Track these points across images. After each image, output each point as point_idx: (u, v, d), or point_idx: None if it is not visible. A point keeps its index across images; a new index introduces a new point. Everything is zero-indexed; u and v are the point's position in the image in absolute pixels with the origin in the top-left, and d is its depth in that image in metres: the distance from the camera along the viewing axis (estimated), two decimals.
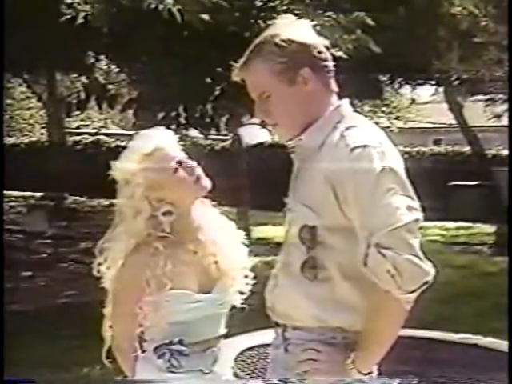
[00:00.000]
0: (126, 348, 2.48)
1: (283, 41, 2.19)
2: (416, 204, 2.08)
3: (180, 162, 2.44)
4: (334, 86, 2.26)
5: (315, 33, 2.26)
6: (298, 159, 2.29)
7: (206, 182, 2.46)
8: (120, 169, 2.46)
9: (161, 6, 5.91)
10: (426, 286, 2.05)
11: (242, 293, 2.58)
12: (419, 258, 2.03)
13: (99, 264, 2.46)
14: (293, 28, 2.23)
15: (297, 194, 2.24)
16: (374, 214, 2.04)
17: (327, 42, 2.27)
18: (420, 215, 2.07)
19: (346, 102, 2.28)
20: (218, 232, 2.56)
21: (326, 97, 2.24)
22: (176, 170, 2.42)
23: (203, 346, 2.45)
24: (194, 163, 2.47)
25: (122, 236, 2.44)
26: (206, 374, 2.45)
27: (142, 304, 2.39)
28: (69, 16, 5.91)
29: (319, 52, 2.22)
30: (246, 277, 2.58)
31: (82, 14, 5.92)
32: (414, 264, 2.01)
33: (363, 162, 2.06)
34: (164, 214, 2.42)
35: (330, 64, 2.25)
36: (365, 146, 2.08)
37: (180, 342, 2.42)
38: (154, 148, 2.42)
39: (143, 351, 2.48)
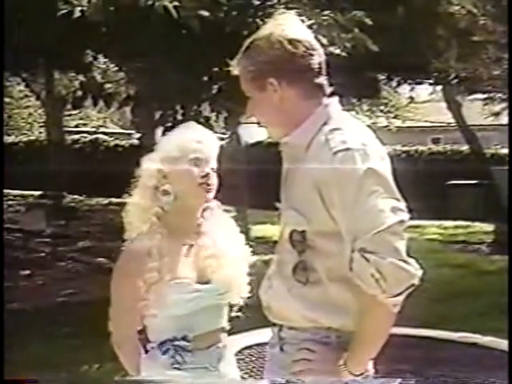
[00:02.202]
0: (127, 345, 2.49)
1: (256, 49, 2.19)
2: (401, 205, 2.07)
3: (211, 169, 2.51)
4: (321, 89, 2.22)
5: (300, 36, 2.19)
6: (287, 161, 2.29)
7: (210, 196, 2.51)
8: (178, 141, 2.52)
9: (157, 3, 5.90)
10: (412, 289, 2.04)
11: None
12: (404, 260, 2.01)
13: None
14: (270, 35, 2.18)
15: (287, 197, 2.24)
16: (358, 217, 2.03)
17: (316, 45, 2.21)
18: (405, 216, 2.06)
19: (333, 101, 2.24)
20: (223, 238, 2.58)
21: (306, 101, 2.20)
22: (196, 163, 2.47)
23: (207, 341, 2.47)
24: (215, 181, 2.52)
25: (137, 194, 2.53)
26: (211, 371, 2.46)
27: (144, 297, 2.40)
28: (65, 11, 5.89)
29: (295, 60, 2.16)
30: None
31: (78, 8, 5.89)
32: (399, 267, 2.00)
33: (346, 165, 2.05)
34: (163, 192, 2.48)
35: (313, 69, 2.19)
36: (347, 149, 2.06)
37: (184, 338, 2.43)
38: (203, 141, 2.51)
39: (146, 351, 2.48)
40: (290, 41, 2.16)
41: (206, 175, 2.48)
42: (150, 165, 2.50)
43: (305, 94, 2.20)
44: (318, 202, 2.10)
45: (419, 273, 2.04)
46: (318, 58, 2.21)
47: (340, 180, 2.06)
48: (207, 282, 2.47)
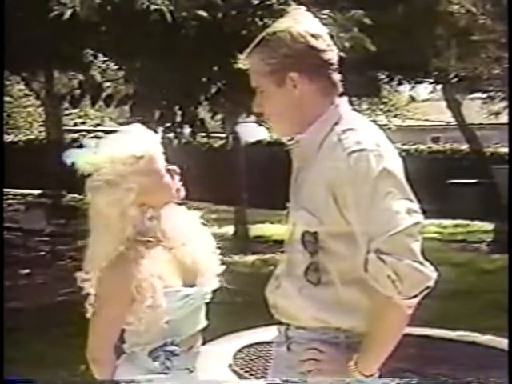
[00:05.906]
0: (103, 358, 2.41)
1: (277, 42, 2.16)
2: (416, 206, 2.05)
3: (167, 167, 2.40)
4: (336, 86, 2.21)
5: (320, 31, 2.19)
6: (297, 160, 2.26)
7: (183, 191, 2.42)
8: (104, 168, 2.36)
9: (152, 7, 5.90)
10: (428, 291, 2.03)
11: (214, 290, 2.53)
12: (420, 262, 2.00)
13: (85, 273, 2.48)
14: (291, 28, 2.16)
15: (297, 197, 2.21)
16: (373, 219, 2.01)
17: (331, 42, 2.20)
18: (420, 218, 2.04)
19: (344, 100, 2.23)
20: (189, 231, 2.51)
21: (323, 98, 2.18)
22: (163, 175, 2.38)
23: (188, 343, 2.42)
24: (177, 169, 2.41)
25: (105, 239, 2.37)
26: (192, 372, 2.43)
27: (137, 311, 2.31)
28: (57, 12, 5.90)
29: (316, 55, 2.16)
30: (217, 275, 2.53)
31: (70, 10, 5.89)
32: (415, 269, 1.99)
33: (361, 166, 2.03)
34: (150, 219, 2.37)
35: (332, 64, 2.19)
36: (362, 150, 2.05)
37: (172, 343, 2.38)
38: (145, 150, 2.34)
39: (118, 356, 2.43)
40: (313, 35, 2.16)
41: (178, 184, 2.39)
42: (118, 212, 2.32)
43: (322, 90, 2.18)
44: (331, 203, 2.08)
45: (435, 275, 2.03)
46: (335, 54, 2.21)
47: (354, 181, 2.04)
48: (193, 283, 2.41)
